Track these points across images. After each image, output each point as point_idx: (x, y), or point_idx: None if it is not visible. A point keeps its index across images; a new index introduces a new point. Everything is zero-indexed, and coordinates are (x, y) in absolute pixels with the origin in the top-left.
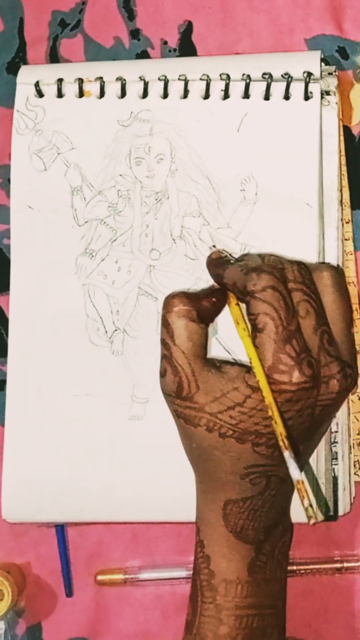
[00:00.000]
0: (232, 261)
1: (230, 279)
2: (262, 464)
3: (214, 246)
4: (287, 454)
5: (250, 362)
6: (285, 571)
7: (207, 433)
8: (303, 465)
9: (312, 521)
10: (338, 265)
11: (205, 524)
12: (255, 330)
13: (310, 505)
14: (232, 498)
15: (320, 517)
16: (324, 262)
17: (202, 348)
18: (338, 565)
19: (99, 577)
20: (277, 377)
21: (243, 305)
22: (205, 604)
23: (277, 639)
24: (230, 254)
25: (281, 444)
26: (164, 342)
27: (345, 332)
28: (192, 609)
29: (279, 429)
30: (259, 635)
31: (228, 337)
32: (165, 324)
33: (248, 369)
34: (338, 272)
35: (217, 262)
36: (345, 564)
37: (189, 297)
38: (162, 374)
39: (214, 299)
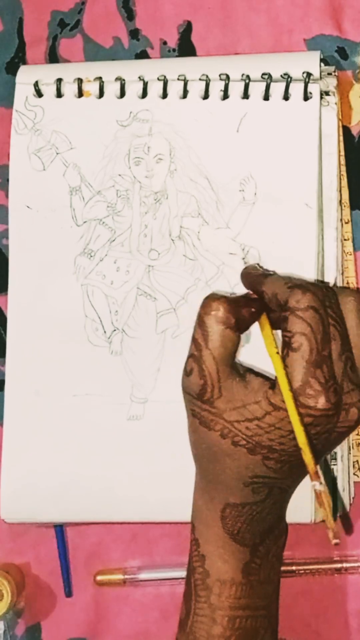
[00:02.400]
0: (270, 273)
1: (271, 290)
2: (268, 475)
3: (244, 259)
4: (316, 484)
5: (276, 379)
6: (278, 573)
7: (220, 438)
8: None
9: (334, 540)
10: None
11: (201, 523)
12: (288, 348)
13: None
14: (232, 502)
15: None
16: (347, 287)
17: (233, 356)
18: (337, 565)
19: (99, 577)
20: (303, 401)
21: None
22: (199, 603)
23: (269, 639)
24: (266, 269)
25: (311, 472)
26: (196, 342)
27: None
28: (185, 608)
29: (307, 457)
30: (251, 636)
31: (253, 346)
32: (202, 325)
33: (272, 383)
34: None
35: (255, 272)
36: (344, 564)
37: (230, 303)
38: (188, 373)
39: (252, 309)
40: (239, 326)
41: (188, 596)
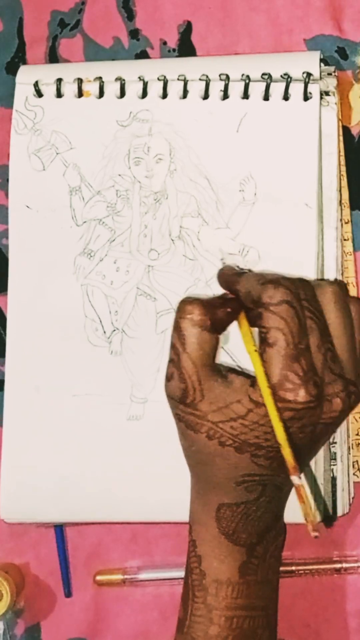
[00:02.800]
0: (245, 272)
1: (245, 287)
2: (259, 473)
3: (222, 259)
4: (296, 479)
5: (256, 377)
6: (277, 573)
7: (207, 440)
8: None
9: (314, 534)
10: (341, 281)
11: (197, 524)
12: (265, 344)
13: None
14: (226, 502)
15: (316, 533)
16: (325, 279)
17: (212, 357)
18: (337, 565)
19: (98, 578)
20: (283, 395)
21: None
22: (197, 604)
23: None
24: (242, 268)
25: (289, 466)
26: (174, 347)
27: (349, 349)
28: (183, 608)
29: (285, 450)
30: (249, 637)
31: (235, 345)
32: (178, 330)
33: (252, 381)
34: (341, 289)
35: (230, 271)
36: (344, 565)
37: (205, 305)
38: (169, 378)
39: (228, 309)
40: (216, 327)
41: (186, 597)
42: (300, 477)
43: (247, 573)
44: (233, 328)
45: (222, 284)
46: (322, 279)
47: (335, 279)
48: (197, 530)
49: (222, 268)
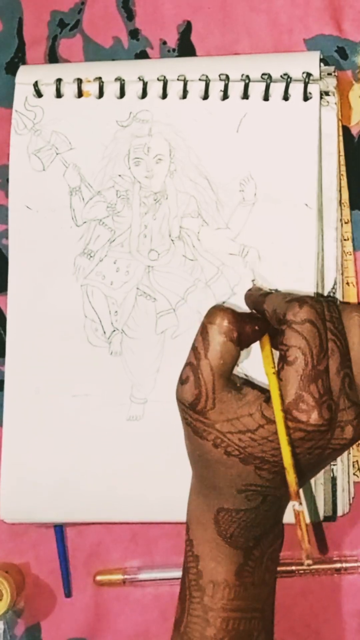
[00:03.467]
0: (272, 292)
1: (271, 305)
2: (261, 484)
3: (253, 280)
4: (297, 505)
5: (272, 399)
6: (274, 576)
7: (212, 448)
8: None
9: (306, 561)
10: None
11: (195, 524)
12: (284, 362)
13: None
14: (225, 507)
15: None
16: (355, 304)
17: (230, 369)
18: (337, 565)
19: (98, 578)
20: (296, 415)
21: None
22: (193, 604)
23: None
24: (270, 290)
25: (292, 493)
26: (195, 351)
27: None
28: (180, 608)
29: (290, 477)
30: (245, 638)
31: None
32: (204, 335)
33: (267, 397)
34: None
35: (257, 292)
36: (344, 565)
37: (235, 316)
38: (183, 381)
39: (255, 327)
40: (241, 341)
41: (182, 596)
42: (301, 504)
43: (244, 575)
44: (255, 347)
45: (249, 305)
46: (350, 303)
47: None
48: (195, 530)
49: (250, 289)
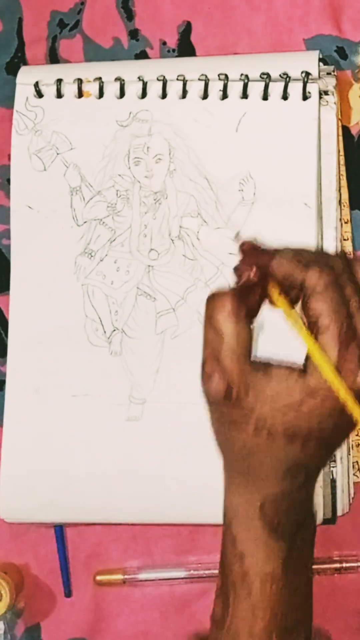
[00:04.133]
0: (272, 251)
1: (281, 271)
2: (306, 462)
3: (240, 238)
4: None
5: (307, 362)
6: (312, 564)
7: (254, 435)
8: None
9: None
10: None
11: (239, 521)
12: (316, 330)
13: None
14: (271, 493)
15: None
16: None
17: (249, 350)
18: (337, 565)
19: (98, 578)
20: (343, 376)
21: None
22: (239, 602)
23: (306, 634)
24: (262, 244)
25: None
26: (210, 345)
27: None
28: (222, 606)
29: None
30: (292, 632)
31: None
32: (214, 325)
33: (300, 369)
34: None
35: (256, 252)
36: (344, 564)
37: (237, 295)
38: (208, 379)
39: (257, 296)
40: (250, 317)
41: (225, 594)
42: None
43: (289, 567)
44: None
45: (247, 264)
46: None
47: None
48: (238, 528)
49: (243, 244)
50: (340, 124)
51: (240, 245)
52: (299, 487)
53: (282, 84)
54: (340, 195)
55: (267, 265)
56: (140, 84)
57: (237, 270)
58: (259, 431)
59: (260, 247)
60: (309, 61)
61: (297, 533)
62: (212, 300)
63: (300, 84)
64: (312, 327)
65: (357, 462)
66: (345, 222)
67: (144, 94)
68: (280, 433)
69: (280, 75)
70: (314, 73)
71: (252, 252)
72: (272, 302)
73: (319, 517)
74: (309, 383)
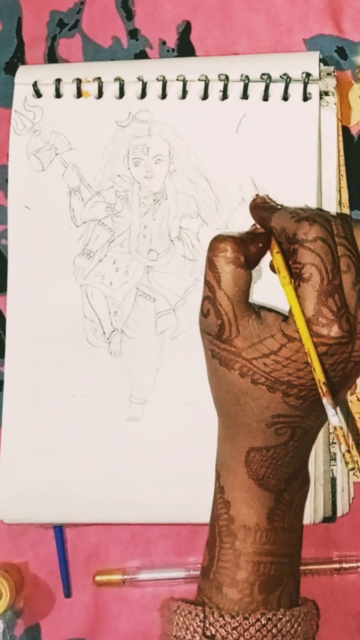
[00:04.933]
0: (278, 207)
1: (279, 224)
2: (289, 414)
3: (257, 195)
4: (326, 401)
5: (290, 310)
6: (301, 523)
7: (239, 377)
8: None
9: (351, 466)
10: None
11: (226, 470)
12: (299, 279)
13: (348, 451)
14: (255, 445)
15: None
16: None
17: (246, 293)
18: (337, 565)
19: (98, 578)
20: (317, 330)
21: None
22: (224, 549)
23: (292, 587)
24: (274, 202)
25: (320, 390)
26: (208, 285)
27: None
28: (209, 556)
29: (318, 375)
30: (276, 583)
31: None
32: (212, 268)
33: (285, 317)
34: None
35: (263, 206)
36: (344, 565)
37: (237, 242)
38: (205, 314)
39: (260, 244)
40: (249, 263)
41: (212, 543)
42: (331, 402)
43: (275, 519)
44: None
45: (255, 217)
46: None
47: None
48: (226, 476)
49: (254, 199)
50: (340, 125)
51: (252, 199)
52: (285, 444)
53: (283, 84)
54: (340, 195)
55: (268, 220)
56: (139, 84)
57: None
58: (243, 375)
59: (270, 203)
60: (310, 62)
61: (286, 490)
62: (214, 244)
63: (301, 85)
64: (296, 278)
65: (356, 462)
66: None
67: (143, 94)
68: (262, 379)
69: (280, 76)
70: (315, 74)
71: (258, 208)
72: (272, 255)
73: (319, 515)
74: (288, 331)
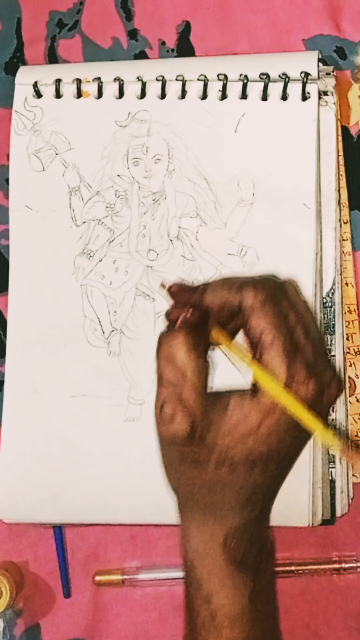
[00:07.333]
0: (195, 285)
1: (215, 301)
2: (266, 484)
3: (161, 283)
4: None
5: (255, 385)
6: (275, 587)
7: (214, 469)
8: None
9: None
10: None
11: (202, 562)
12: (261, 348)
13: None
14: (233, 525)
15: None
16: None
17: (206, 384)
18: (336, 566)
19: (97, 578)
20: (295, 390)
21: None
22: None
23: None
24: (190, 283)
25: (341, 449)
26: (169, 384)
27: (319, 337)
28: None
29: (321, 430)
30: None
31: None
32: (173, 362)
33: (252, 392)
34: (297, 283)
35: (184, 288)
36: (343, 565)
37: (190, 328)
38: (170, 420)
39: (206, 328)
40: (205, 351)
41: (192, 636)
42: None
43: (256, 599)
44: None
45: (181, 301)
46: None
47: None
48: (202, 569)
49: (170, 287)
50: (339, 124)
51: (167, 289)
52: (258, 514)
53: (282, 84)
54: (339, 195)
55: (201, 301)
56: (139, 84)
57: (169, 314)
58: (220, 465)
59: (188, 286)
60: (309, 61)
61: (260, 563)
62: (169, 338)
63: (300, 85)
64: (256, 346)
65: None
66: (345, 223)
67: (143, 94)
68: (242, 463)
69: (279, 76)
70: (314, 73)
71: (181, 293)
72: (216, 341)
73: (318, 518)
74: (263, 403)
